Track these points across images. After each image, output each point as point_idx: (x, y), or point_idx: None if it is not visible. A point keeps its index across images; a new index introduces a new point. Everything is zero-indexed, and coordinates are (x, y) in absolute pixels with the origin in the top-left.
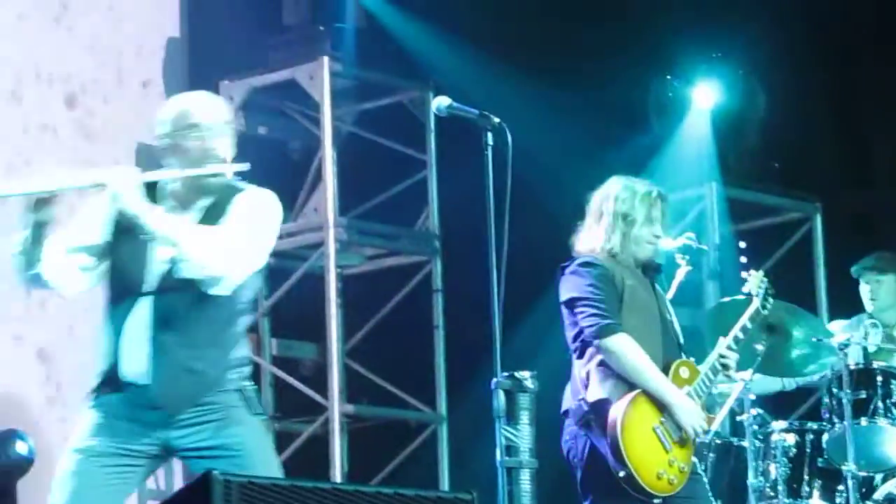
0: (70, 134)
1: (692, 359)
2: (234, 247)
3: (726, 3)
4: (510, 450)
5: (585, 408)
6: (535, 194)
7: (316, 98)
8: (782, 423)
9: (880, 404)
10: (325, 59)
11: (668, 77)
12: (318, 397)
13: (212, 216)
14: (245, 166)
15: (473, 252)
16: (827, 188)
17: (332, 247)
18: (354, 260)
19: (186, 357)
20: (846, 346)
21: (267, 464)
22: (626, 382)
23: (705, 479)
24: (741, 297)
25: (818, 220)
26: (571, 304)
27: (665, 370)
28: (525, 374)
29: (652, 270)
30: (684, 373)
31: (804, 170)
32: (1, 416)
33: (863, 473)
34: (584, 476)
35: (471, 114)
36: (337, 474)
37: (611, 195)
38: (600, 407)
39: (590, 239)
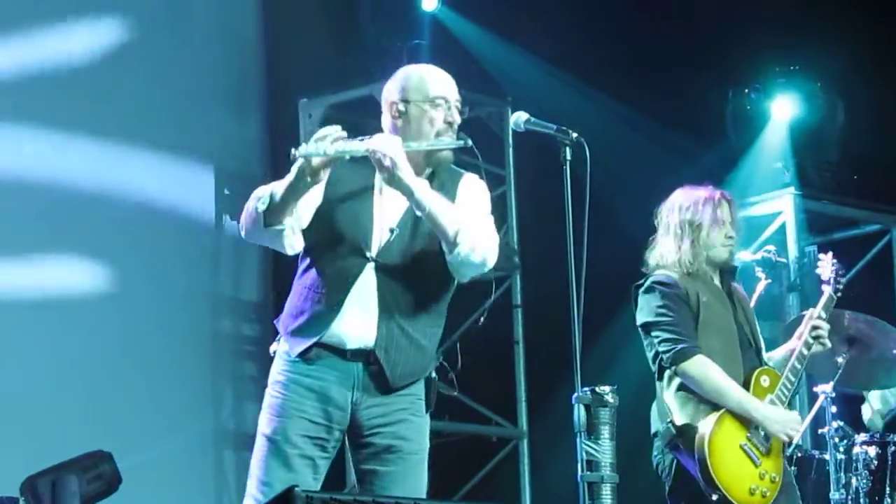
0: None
1: (770, 363)
2: (494, 237)
3: (804, 16)
4: (591, 464)
5: (673, 431)
6: (614, 209)
7: None
8: (864, 436)
9: None
10: None
11: (747, 90)
12: None
13: (436, 188)
14: (468, 142)
15: (553, 267)
16: None
17: None
18: None
19: (411, 329)
20: None
21: (419, 476)
22: (708, 403)
23: (796, 486)
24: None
25: None
26: (647, 327)
27: (746, 382)
28: (605, 389)
29: (728, 275)
30: (765, 381)
31: (883, 182)
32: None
33: None
34: (671, 490)
35: (549, 129)
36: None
37: (674, 205)
38: (686, 431)
39: (661, 253)
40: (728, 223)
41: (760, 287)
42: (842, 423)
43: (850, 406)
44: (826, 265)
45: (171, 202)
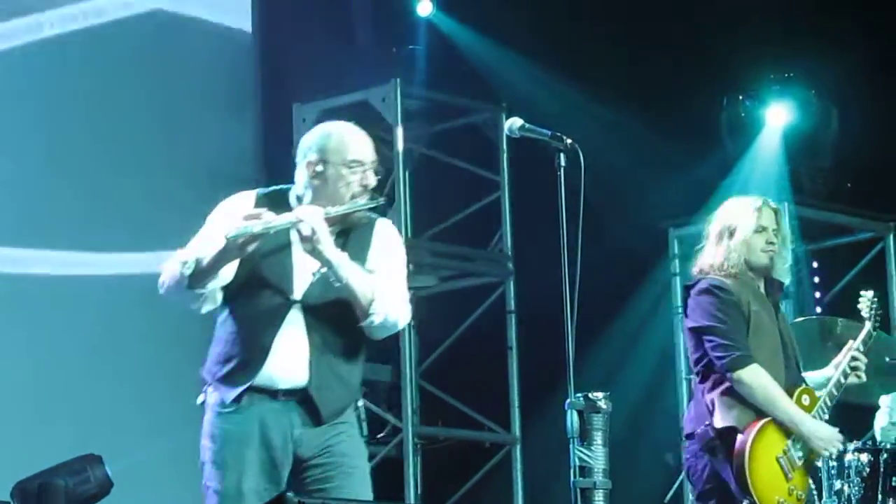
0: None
1: (811, 384)
2: (405, 297)
3: (798, 23)
4: (584, 470)
5: (712, 434)
6: (608, 215)
7: (388, 120)
8: (856, 443)
9: None
10: (398, 81)
11: (741, 97)
12: (392, 419)
13: (351, 246)
14: (383, 200)
15: (547, 273)
16: None
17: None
18: (428, 281)
19: (338, 366)
20: None
21: (365, 489)
22: (753, 410)
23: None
24: (814, 316)
25: (891, 239)
26: (700, 331)
27: (789, 394)
28: (598, 395)
29: (776, 290)
30: (805, 400)
31: (877, 189)
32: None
33: None
34: (701, 494)
35: (543, 135)
36: (411, 495)
37: (720, 213)
38: (727, 435)
39: (704, 258)
40: (770, 229)
41: None
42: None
43: (841, 413)
44: (865, 302)
45: (165, 206)
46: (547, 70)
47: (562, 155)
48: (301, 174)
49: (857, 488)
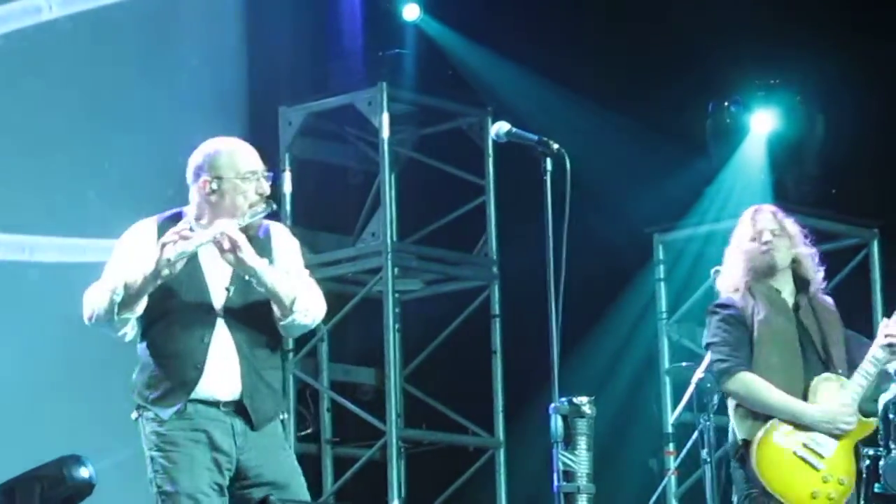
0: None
1: (839, 371)
2: (319, 293)
3: (784, 30)
4: (568, 475)
5: (738, 444)
6: (593, 219)
7: (374, 123)
8: None
9: None
10: (384, 84)
11: (726, 103)
12: (376, 422)
13: (257, 252)
14: (275, 206)
15: (532, 277)
16: (885, 214)
17: (390, 272)
18: (413, 285)
19: (265, 374)
20: None
21: (302, 492)
22: (762, 417)
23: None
24: None
25: (875, 245)
26: (707, 349)
27: (807, 390)
28: (583, 399)
29: (802, 285)
30: (826, 389)
31: (862, 195)
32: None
33: None
34: (741, 499)
35: (530, 140)
36: (395, 499)
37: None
38: (746, 447)
39: (721, 279)
40: (767, 230)
41: None
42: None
43: None
44: None
45: (149, 210)
46: (534, 75)
47: (548, 160)
48: (196, 193)
49: None
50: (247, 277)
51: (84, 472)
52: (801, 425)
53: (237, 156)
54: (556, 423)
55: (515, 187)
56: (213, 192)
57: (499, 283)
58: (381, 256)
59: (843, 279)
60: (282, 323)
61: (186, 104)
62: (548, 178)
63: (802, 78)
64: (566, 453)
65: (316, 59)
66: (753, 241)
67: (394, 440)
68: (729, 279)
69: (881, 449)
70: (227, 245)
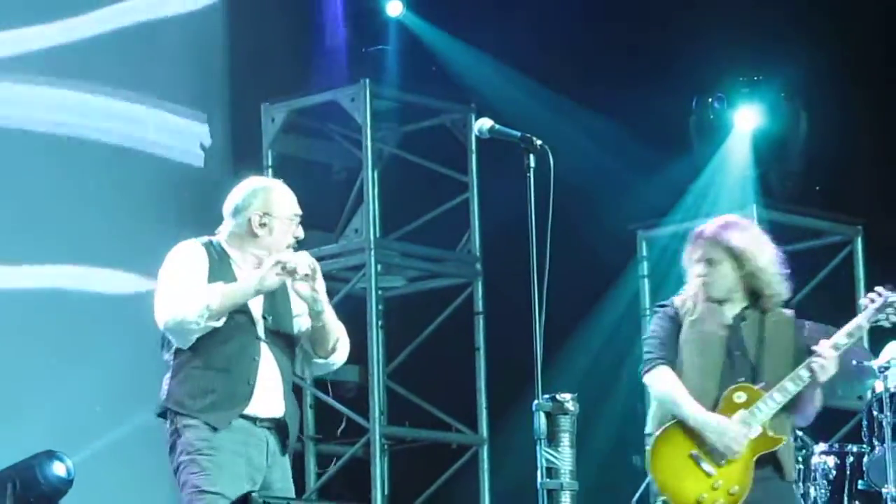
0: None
1: (761, 384)
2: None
3: (767, 27)
4: (551, 472)
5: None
6: (577, 216)
7: (358, 120)
8: (822, 446)
9: None
10: (367, 80)
11: (710, 100)
12: (359, 419)
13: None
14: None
15: (515, 275)
16: (868, 211)
17: (373, 269)
18: (396, 282)
19: (292, 398)
20: (887, 368)
21: None
22: (668, 414)
23: (793, 489)
24: None
25: (859, 242)
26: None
27: (718, 398)
28: (566, 397)
29: (754, 298)
30: (740, 397)
31: (845, 192)
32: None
33: None
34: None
35: (513, 136)
36: (378, 496)
37: None
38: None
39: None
40: (699, 263)
41: None
42: (801, 434)
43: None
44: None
45: (134, 205)
46: (517, 71)
47: (531, 156)
48: (241, 225)
49: (823, 491)
50: (312, 311)
51: (59, 469)
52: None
53: (288, 197)
54: (540, 420)
55: (499, 184)
56: (263, 226)
57: (482, 280)
58: (363, 253)
59: (826, 276)
60: (318, 362)
61: (169, 101)
62: (531, 174)
63: (786, 74)
64: (549, 450)
65: (299, 56)
66: (692, 271)
67: (377, 437)
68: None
69: (865, 446)
70: (311, 275)
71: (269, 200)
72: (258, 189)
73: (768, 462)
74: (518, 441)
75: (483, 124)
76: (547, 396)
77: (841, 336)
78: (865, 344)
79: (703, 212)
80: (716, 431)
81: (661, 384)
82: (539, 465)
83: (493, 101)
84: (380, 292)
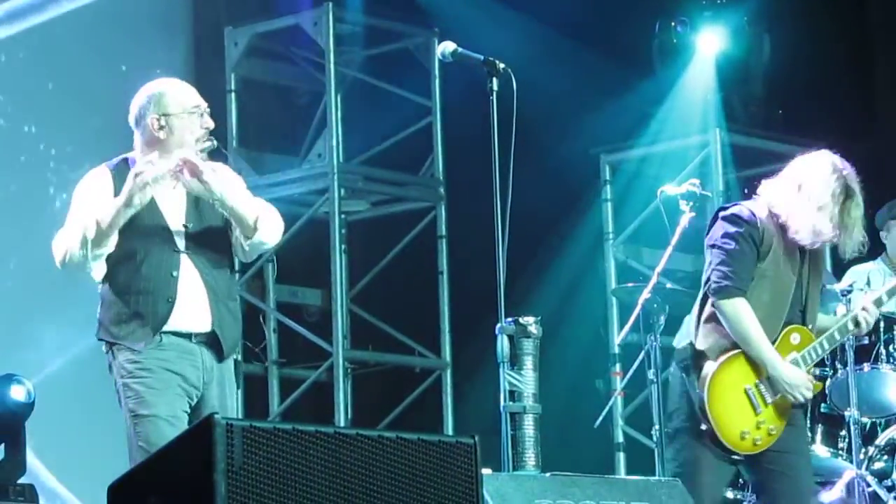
0: None
1: (810, 326)
2: (278, 216)
3: None
4: (514, 395)
5: (690, 352)
6: (540, 140)
7: (320, 44)
8: None
9: (883, 351)
10: (330, 4)
11: (673, 23)
12: (322, 343)
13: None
14: (216, 144)
15: (478, 199)
16: (832, 135)
17: (336, 193)
18: (359, 206)
19: (229, 303)
20: (849, 291)
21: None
22: (730, 341)
23: (806, 432)
24: None
25: None
26: (711, 249)
27: (778, 335)
28: (529, 320)
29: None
30: (795, 339)
31: (808, 117)
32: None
33: (865, 419)
34: (670, 411)
35: (476, 59)
36: (341, 420)
37: (810, 169)
38: (700, 358)
39: (775, 196)
40: (841, 203)
41: (685, 220)
42: None
43: None
44: None
45: (97, 129)
46: None
47: (494, 79)
48: (142, 135)
49: None
50: (211, 201)
51: (19, 393)
52: (759, 367)
53: (181, 93)
54: (503, 344)
55: (462, 108)
56: (162, 128)
57: (445, 204)
58: (327, 177)
59: None
60: (246, 244)
61: (130, 27)
62: (494, 97)
63: None
64: (512, 373)
65: None
66: (830, 218)
67: (340, 361)
68: (778, 204)
69: (827, 370)
70: (192, 170)
71: (161, 102)
72: (152, 94)
73: (799, 406)
74: (481, 365)
75: (446, 48)
76: (510, 320)
77: (882, 293)
78: (828, 268)
79: (665, 136)
80: (789, 384)
81: (739, 318)
82: (502, 388)
83: (456, 26)
84: (343, 216)
